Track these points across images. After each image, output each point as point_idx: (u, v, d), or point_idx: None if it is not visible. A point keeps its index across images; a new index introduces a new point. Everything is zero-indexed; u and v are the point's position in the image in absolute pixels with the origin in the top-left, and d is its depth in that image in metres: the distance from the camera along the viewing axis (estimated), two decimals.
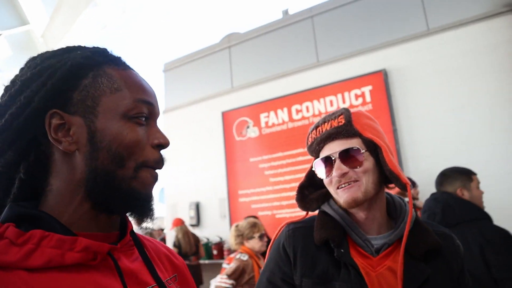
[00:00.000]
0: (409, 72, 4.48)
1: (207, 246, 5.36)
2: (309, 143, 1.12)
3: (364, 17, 4.90)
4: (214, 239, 5.45)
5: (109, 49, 0.66)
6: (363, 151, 1.01)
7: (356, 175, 1.00)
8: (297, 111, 5.10)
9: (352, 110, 1.07)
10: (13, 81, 0.61)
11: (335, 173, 1.01)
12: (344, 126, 1.03)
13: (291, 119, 5.14)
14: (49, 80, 0.57)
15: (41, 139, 0.58)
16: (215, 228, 5.54)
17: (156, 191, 0.66)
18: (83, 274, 0.53)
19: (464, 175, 2.13)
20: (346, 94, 4.76)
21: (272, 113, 5.29)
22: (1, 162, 0.59)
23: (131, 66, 0.68)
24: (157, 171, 0.65)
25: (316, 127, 1.09)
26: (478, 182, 2.12)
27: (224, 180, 5.56)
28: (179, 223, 5.03)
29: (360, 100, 4.65)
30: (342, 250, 0.98)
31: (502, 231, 1.89)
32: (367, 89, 4.62)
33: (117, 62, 0.64)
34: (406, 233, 0.98)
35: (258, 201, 5.22)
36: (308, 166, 4.17)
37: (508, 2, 4.09)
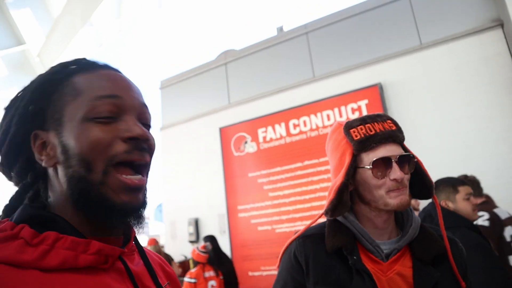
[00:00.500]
0: (404, 85, 4.57)
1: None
2: (357, 137, 1.05)
3: (358, 33, 5.01)
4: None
5: (88, 57, 0.65)
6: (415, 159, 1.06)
7: (406, 181, 1.03)
8: (295, 126, 5.15)
9: None
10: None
11: (395, 176, 1.00)
12: (398, 131, 1.06)
13: (288, 134, 5.18)
14: (21, 103, 0.59)
15: (34, 158, 0.60)
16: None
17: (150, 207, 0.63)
18: (95, 276, 0.54)
19: (449, 187, 2.13)
20: (342, 108, 4.82)
21: (269, 128, 5.34)
22: (13, 182, 0.63)
23: (110, 67, 0.65)
24: (138, 176, 0.59)
25: (364, 123, 1.06)
26: (467, 193, 2.10)
27: (223, 196, 5.55)
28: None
29: (356, 113, 4.71)
30: (355, 257, 1.01)
31: (473, 240, 1.87)
32: (363, 103, 4.69)
33: (87, 68, 0.62)
34: (445, 237, 1.07)
35: (258, 216, 5.21)
36: (305, 180, 4.15)
37: (496, 18, 4.22)
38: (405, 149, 1.08)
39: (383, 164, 1.02)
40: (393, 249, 1.04)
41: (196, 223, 5.77)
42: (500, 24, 4.18)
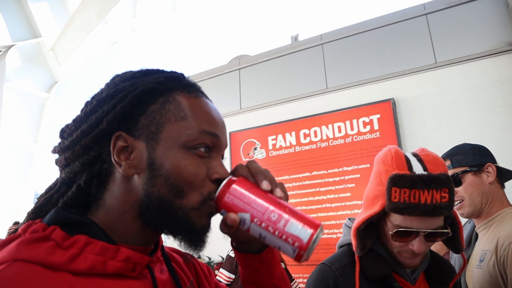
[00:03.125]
0: (417, 102, 4.60)
1: (209, 265, 5.33)
2: (395, 199, 0.95)
3: (373, 47, 5.05)
4: (216, 258, 5.42)
5: (185, 75, 0.67)
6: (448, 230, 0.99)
7: (427, 249, 1.01)
8: (305, 136, 5.18)
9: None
10: (92, 98, 0.64)
11: (414, 249, 0.96)
12: (447, 205, 0.92)
13: (298, 143, 5.21)
14: (119, 104, 0.59)
15: (106, 157, 0.60)
16: (217, 247, 5.50)
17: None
18: (122, 283, 0.55)
19: None
20: (354, 121, 4.85)
21: (280, 136, 5.36)
22: (69, 170, 0.62)
23: (204, 94, 0.68)
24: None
25: (412, 187, 0.93)
26: None
27: None
28: None
29: (368, 127, 4.74)
30: (396, 284, 1.04)
31: None
32: (375, 117, 4.72)
33: (189, 90, 0.64)
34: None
35: None
36: (313, 190, 4.15)
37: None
38: (448, 216, 1.02)
39: (408, 233, 0.97)
40: (418, 273, 1.10)
41: None
42: None
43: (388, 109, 4.64)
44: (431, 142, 4.42)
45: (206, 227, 0.62)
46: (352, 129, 4.85)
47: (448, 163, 1.66)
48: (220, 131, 0.64)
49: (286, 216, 0.56)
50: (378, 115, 4.70)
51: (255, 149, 5.51)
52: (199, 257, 5.40)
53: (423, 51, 4.70)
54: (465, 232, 1.64)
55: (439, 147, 4.38)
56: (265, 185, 0.61)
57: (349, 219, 1.23)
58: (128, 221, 0.59)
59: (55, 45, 9.12)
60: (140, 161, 0.58)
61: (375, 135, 4.69)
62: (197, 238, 0.61)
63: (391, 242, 1.03)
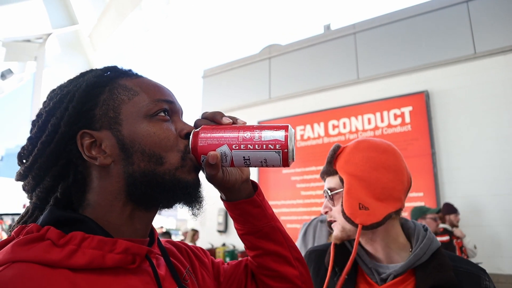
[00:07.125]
0: (453, 95, 4.40)
1: (233, 253, 5.39)
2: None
3: (408, 37, 4.86)
4: (241, 246, 5.48)
5: (119, 66, 0.69)
6: (332, 192, 1.03)
7: (334, 214, 1.03)
8: (334, 127, 5.09)
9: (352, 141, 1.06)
10: (39, 115, 0.64)
11: (322, 209, 1.05)
12: (327, 166, 1.07)
13: (327, 134, 5.13)
14: (69, 104, 0.60)
15: (77, 161, 0.60)
16: None
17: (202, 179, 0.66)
18: (122, 277, 0.54)
19: None
20: (385, 113, 4.71)
21: (308, 127, 5.30)
22: (39, 189, 0.62)
23: (143, 75, 0.70)
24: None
25: None
26: None
27: None
28: None
29: (399, 120, 4.59)
30: (346, 276, 0.98)
31: None
32: (407, 110, 4.56)
33: (129, 74, 0.67)
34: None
35: (288, 213, 5.22)
36: None
37: None
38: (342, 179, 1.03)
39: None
40: (389, 274, 0.96)
41: (226, 213, 5.85)
42: None
43: (421, 101, 4.47)
44: (465, 138, 4.23)
45: (197, 180, 0.64)
46: (382, 121, 4.71)
47: None
48: (172, 98, 0.67)
49: (256, 130, 0.61)
50: (410, 108, 4.54)
51: None
52: (224, 244, 5.47)
53: (462, 41, 4.47)
54: None
55: (474, 144, 4.21)
56: (225, 120, 0.66)
57: None
58: (119, 209, 0.60)
59: (92, 33, 9.37)
60: (112, 147, 0.59)
61: (406, 128, 4.54)
62: (194, 192, 0.63)
63: None
